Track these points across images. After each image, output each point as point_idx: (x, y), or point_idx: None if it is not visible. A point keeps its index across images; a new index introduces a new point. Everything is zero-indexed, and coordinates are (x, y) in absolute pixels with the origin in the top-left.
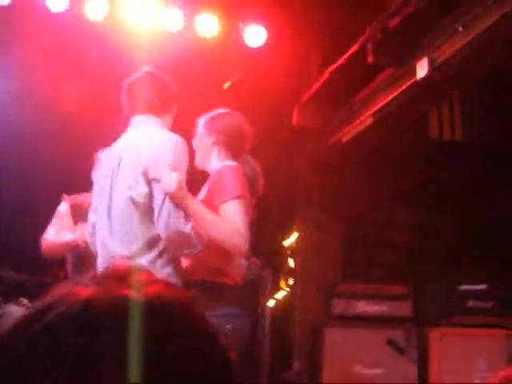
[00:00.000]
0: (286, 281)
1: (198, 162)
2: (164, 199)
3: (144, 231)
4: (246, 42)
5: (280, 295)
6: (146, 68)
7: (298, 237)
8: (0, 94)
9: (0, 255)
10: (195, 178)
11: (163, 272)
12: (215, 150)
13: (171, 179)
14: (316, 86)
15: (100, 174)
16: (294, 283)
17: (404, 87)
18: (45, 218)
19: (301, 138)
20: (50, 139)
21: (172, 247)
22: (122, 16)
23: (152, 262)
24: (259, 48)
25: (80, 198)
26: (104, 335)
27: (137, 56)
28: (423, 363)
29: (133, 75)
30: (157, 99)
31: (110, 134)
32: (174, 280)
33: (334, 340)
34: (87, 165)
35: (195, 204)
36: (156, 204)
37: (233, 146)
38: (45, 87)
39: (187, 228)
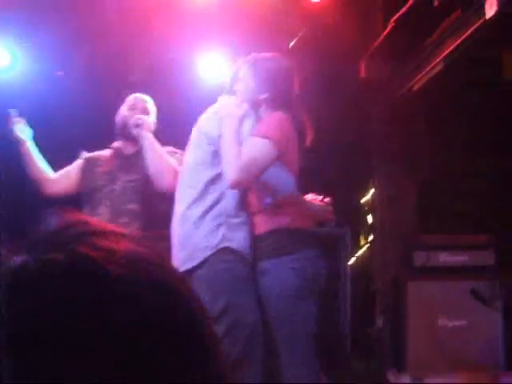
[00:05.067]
0: (366, 237)
1: None
2: None
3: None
4: None
5: (360, 252)
6: None
7: (374, 192)
8: (67, 68)
9: None
10: None
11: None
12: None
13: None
14: (382, 36)
15: None
16: (374, 239)
17: (473, 29)
18: None
19: (370, 91)
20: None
21: None
22: None
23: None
24: (321, 2)
25: (97, 154)
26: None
27: (199, 22)
28: (508, 313)
29: None
30: None
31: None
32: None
33: (416, 293)
34: None
35: None
36: None
37: (283, 98)
38: (112, 61)
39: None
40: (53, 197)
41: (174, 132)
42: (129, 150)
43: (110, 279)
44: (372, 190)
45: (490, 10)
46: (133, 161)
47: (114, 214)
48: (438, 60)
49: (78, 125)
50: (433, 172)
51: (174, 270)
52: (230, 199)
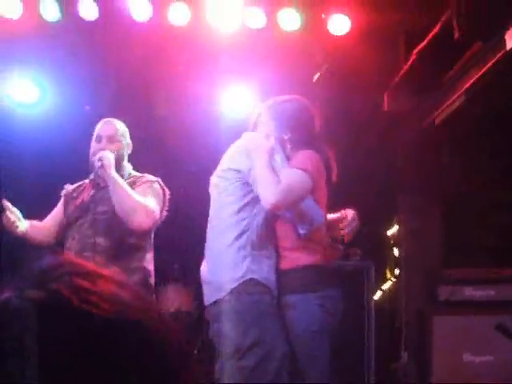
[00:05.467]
0: (392, 271)
1: None
2: None
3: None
4: (330, 31)
5: (386, 286)
6: None
7: (399, 226)
8: (94, 102)
9: None
10: None
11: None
12: (288, 145)
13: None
14: (404, 69)
15: None
16: (399, 273)
17: (494, 60)
18: None
19: (394, 124)
20: (148, 144)
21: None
22: (204, 19)
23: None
24: (344, 36)
25: (74, 186)
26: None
27: (223, 57)
28: None
29: None
30: None
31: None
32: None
33: (441, 327)
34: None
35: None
36: None
37: (305, 137)
38: (137, 95)
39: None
40: (48, 245)
41: (197, 165)
42: (102, 181)
43: (83, 317)
44: (397, 223)
45: (511, 41)
46: (105, 193)
47: (79, 248)
48: (460, 92)
49: None
50: (457, 205)
51: (158, 316)
52: (256, 232)
